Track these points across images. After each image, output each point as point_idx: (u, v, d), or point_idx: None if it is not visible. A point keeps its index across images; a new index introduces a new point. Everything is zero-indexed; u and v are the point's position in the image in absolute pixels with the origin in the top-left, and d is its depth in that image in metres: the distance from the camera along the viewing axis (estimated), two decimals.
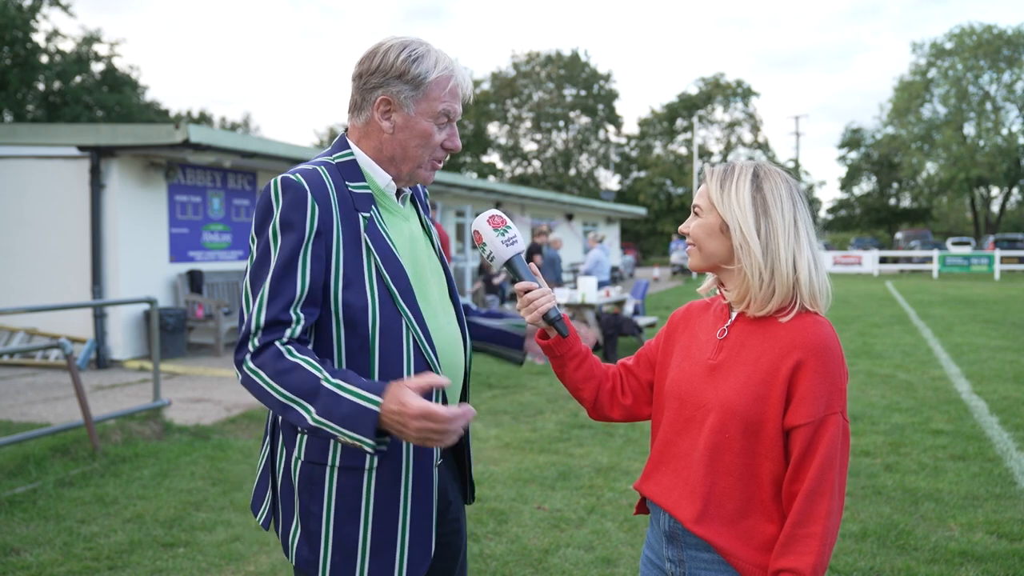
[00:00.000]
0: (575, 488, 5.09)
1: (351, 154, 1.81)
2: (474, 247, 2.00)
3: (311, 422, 1.58)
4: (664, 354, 1.87)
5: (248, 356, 1.64)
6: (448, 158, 1.89)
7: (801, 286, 1.66)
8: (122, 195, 10.02)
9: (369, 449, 1.55)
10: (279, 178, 1.70)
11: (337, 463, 1.70)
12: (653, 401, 1.88)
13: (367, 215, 1.75)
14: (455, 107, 1.79)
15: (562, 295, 10.98)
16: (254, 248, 1.71)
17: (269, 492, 1.83)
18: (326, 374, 1.59)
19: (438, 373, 1.73)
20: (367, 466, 1.70)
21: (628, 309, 12.10)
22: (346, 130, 1.86)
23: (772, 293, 1.65)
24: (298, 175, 1.70)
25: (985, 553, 4.01)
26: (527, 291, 1.82)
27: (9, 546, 4.15)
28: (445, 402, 1.77)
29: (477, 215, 1.99)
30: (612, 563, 3.98)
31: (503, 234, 1.83)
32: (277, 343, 1.63)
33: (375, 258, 1.72)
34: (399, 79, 1.74)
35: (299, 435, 1.75)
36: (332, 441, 1.69)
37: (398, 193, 1.86)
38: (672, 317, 1.92)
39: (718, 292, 1.83)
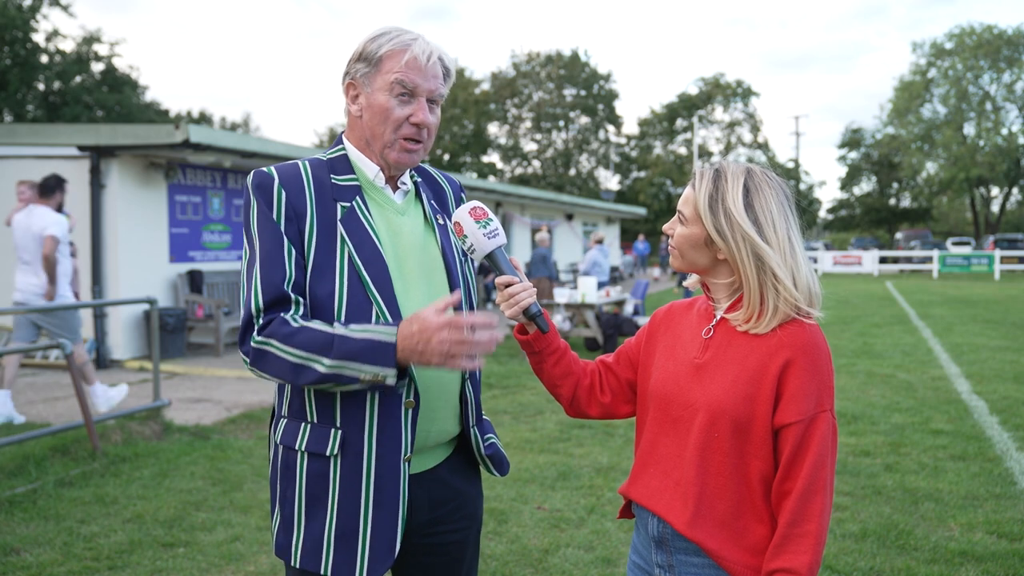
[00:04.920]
0: (575, 488, 5.09)
1: (343, 149, 1.85)
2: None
3: (324, 369, 1.62)
4: (646, 354, 1.85)
5: (255, 332, 1.68)
6: (423, 135, 1.80)
7: (801, 302, 1.65)
8: (122, 195, 10.02)
9: (392, 380, 1.61)
10: (252, 173, 1.76)
11: (304, 447, 1.73)
12: (637, 402, 1.86)
13: (347, 205, 1.76)
14: (412, 78, 1.74)
15: (562, 295, 10.99)
16: (246, 244, 1.78)
17: (270, 483, 1.87)
18: (337, 324, 1.65)
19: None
20: (329, 452, 1.71)
21: (628, 309, 12.10)
22: (344, 130, 1.90)
23: (773, 313, 1.64)
24: (271, 167, 1.77)
25: (985, 553, 4.01)
26: (508, 285, 1.78)
27: (9, 546, 4.15)
28: (418, 400, 1.76)
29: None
30: (612, 563, 3.98)
31: (485, 226, 1.78)
32: (282, 314, 1.68)
33: (349, 246, 1.72)
34: (358, 60, 1.78)
35: (280, 421, 1.80)
36: (302, 425, 1.75)
37: (396, 188, 1.86)
38: (654, 316, 1.91)
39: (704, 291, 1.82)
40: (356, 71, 1.78)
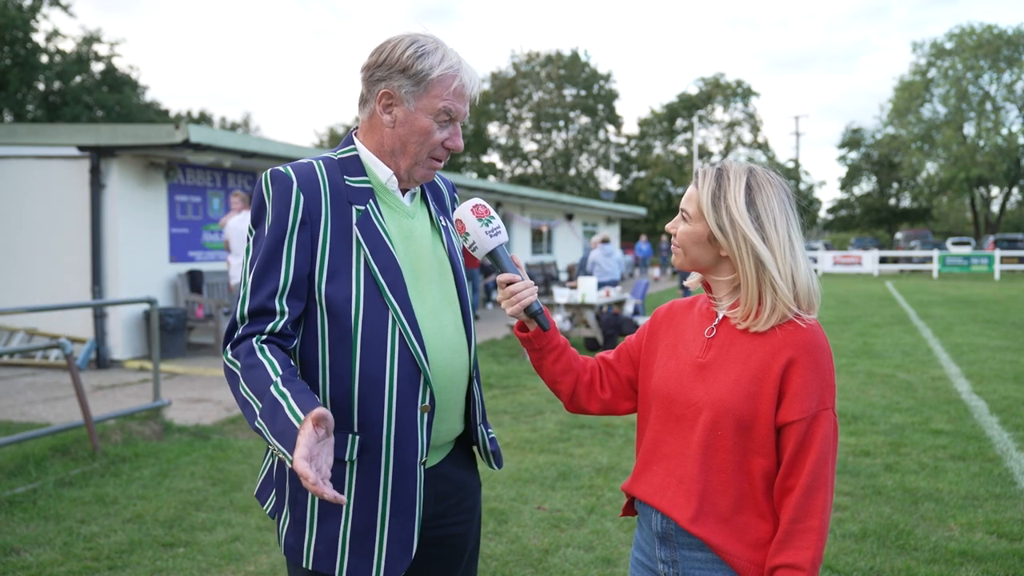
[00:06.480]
0: (575, 488, 5.09)
1: (354, 149, 1.83)
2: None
3: (255, 423, 1.60)
4: (648, 352, 1.86)
5: (229, 346, 1.69)
6: (449, 158, 1.88)
7: (801, 299, 1.67)
8: (122, 195, 10.02)
9: (290, 464, 1.53)
10: (269, 171, 1.74)
11: None
12: (639, 400, 1.88)
13: (361, 208, 1.76)
14: (457, 106, 1.77)
15: (562, 295, 10.99)
16: (249, 242, 1.76)
17: (275, 479, 1.85)
18: (277, 380, 1.59)
19: (425, 367, 1.73)
20: (347, 458, 1.70)
21: (628, 309, 12.10)
22: (355, 128, 1.88)
23: (772, 311, 1.65)
24: (288, 167, 1.75)
25: (985, 553, 4.01)
26: (509, 283, 1.80)
27: (9, 546, 4.15)
28: (433, 404, 1.75)
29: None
30: (612, 563, 3.98)
31: (487, 224, 1.79)
32: (254, 339, 1.67)
33: (364, 250, 1.72)
34: (402, 73, 1.75)
35: None
36: None
37: (405, 190, 1.86)
38: (655, 315, 1.92)
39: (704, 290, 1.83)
40: (399, 86, 1.75)
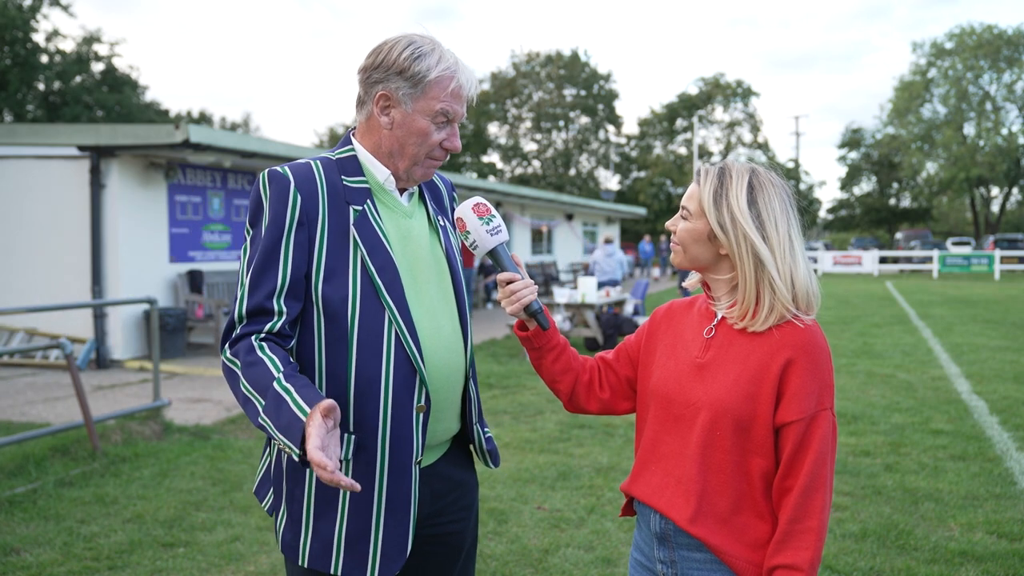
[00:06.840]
0: (575, 488, 5.09)
1: (352, 150, 1.84)
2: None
3: (259, 419, 1.61)
4: (647, 352, 1.86)
5: (227, 345, 1.70)
6: (447, 158, 1.89)
7: (799, 300, 1.67)
8: (122, 195, 10.02)
9: (296, 458, 1.53)
10: (266, 171, 1.74)
11: None
12: (637, 400, 1.88)
13: (359, 208, 1.76)
14: (455, 108, 1.78)
15: (562, 295, 10.99)
16: (247, 242, 1.76)
17: (272, 476, 1.86)
18: (280, 376, 1.60)
19: (420, 368, 1.73)
20: (343, 457, 1.70)
21: (628, 309, 12.10)
22: (353, 128, 1.88)
23: (769, 311, 1.66)
24: (285, 167, 1.75)
25: (985, 553, 4.01)
26: (509, 282, 1.80)
27: (9, 546, 4.15)
28: (429, 404, 1.76)
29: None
30: (612, 563, 3.98)
31: (488, 223, 1.79)
32: (253, 338, 1.68)
33: (362, 250, 1.72)
34: (399, 76, 1.75)
35: None
36: None
37: (403, 190, 1.86)
38: (654, 315, 1.92)
39: (703, 290, 1.83)
40: (397, 88, 1.75)
